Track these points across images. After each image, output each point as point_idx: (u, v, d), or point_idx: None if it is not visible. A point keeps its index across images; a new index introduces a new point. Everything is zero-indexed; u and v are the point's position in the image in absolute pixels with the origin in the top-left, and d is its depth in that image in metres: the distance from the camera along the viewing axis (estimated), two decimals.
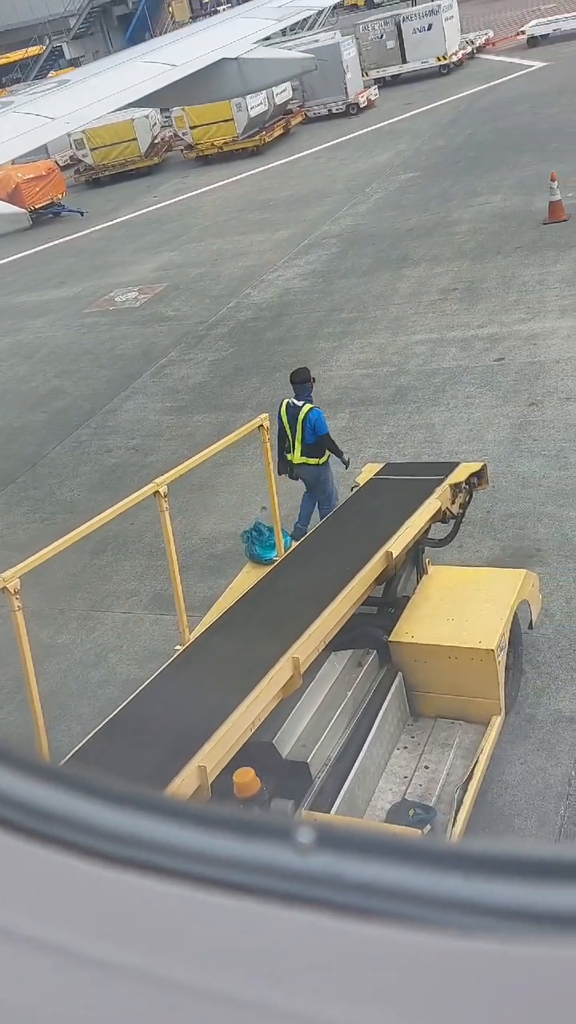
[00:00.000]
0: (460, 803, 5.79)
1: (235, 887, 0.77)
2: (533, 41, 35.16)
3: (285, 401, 9.57)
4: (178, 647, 6.40)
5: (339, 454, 9.55)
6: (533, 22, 36.24)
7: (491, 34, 36.80)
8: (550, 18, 36.26)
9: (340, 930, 0.73)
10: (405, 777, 6.24)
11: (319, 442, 9.37)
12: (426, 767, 6.30)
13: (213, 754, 4.90)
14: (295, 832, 0.80)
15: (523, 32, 36.14)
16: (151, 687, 5.74)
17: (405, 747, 6.51)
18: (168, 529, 6.29)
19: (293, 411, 9.40)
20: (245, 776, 5.11)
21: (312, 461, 9.46)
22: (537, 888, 0.73)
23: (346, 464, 9.62)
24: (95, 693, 8.57)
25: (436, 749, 6.44)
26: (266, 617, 6.41)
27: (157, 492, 6.19)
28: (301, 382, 9.55)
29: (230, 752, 5.04)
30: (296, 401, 9.46)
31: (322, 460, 9.50)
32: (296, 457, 9.46)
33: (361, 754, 5.97)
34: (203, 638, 6.29)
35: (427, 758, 6.38)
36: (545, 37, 34.91)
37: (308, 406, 9.37)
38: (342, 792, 5.63)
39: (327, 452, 9.50)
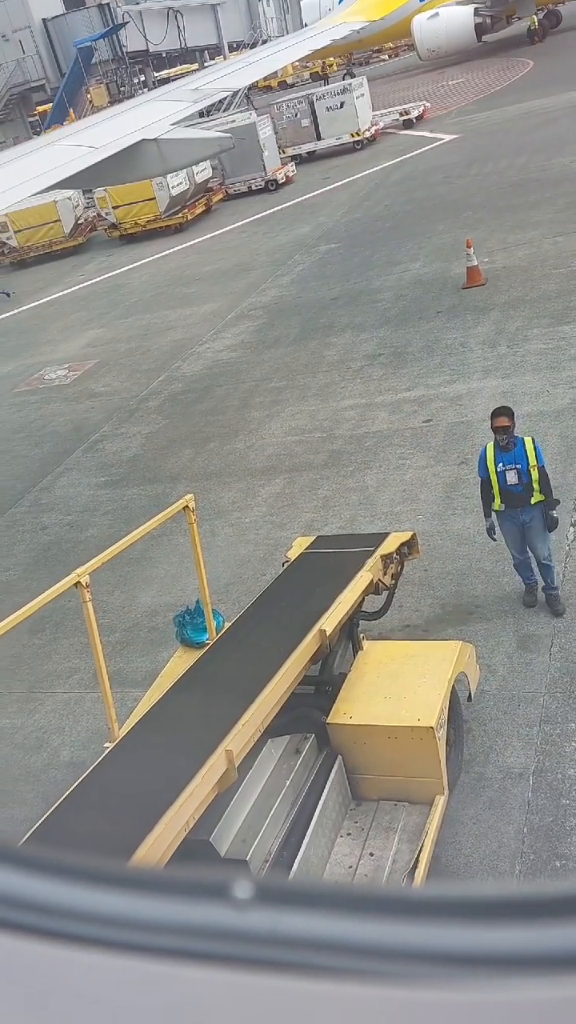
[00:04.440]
0: None
1: (170, 952, 0.74)
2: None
3: None
4: (107, 744, 6.11)
5: (485, 509, 8.57)
6: None
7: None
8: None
9: (284, 989, 0.71)
10: (350, 867, 6.06)
11: None
12: (371, 854, 6.14)
13: (145, 861, 4.64)
14: (232, 887, 0.77)
15: None
16: (78, 790, 5.45)
17: (349, 834, 6.32)
18: (92, 623, 5.90)
19: None
20: None
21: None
22: (490, 931, 0.72)
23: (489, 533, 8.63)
24: (38, 777, 8.34)
25: (380, 834, 6.28)
26: (198, 707, 6.20)
27: (78, 583, 5.78)
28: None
29: (164, 856, 4.78)
30: None
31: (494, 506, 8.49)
32: None
33: (303, 846, 5.76)
34: (133, 732, 6.03)
35: (372, 844, 6.22)
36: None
37: None
38: None
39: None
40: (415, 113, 37.77)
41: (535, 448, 8.19)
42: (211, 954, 0.73)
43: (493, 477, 8.29)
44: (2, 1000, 0.75)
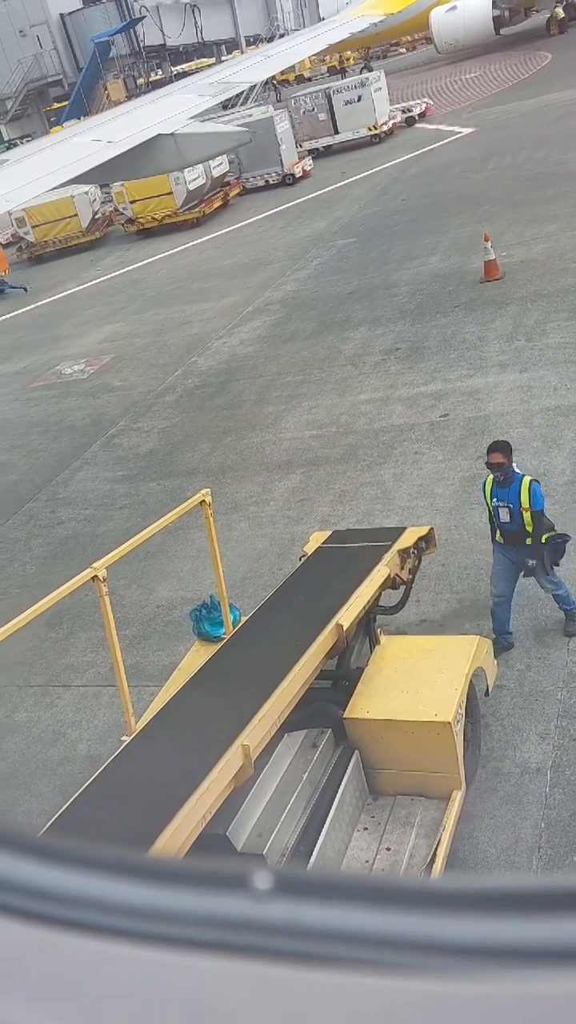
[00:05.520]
0: None
1: (189, 943, 0.74)
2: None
3: None
4: (124, 738, 6.13)
5: (492, 534, 8.29)
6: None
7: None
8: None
9: (304, 981, 0.70)
10: (367, 862, 6.06)
11: None
12: (388, 849, 6.14)
13: (162, 854, 4.65)
14: (251, 878, 0.77)
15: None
16: (95, 783, 5.47)
17: (365, 828, 6.32)
18: (109, 617, 5.92)
19: None
20: None
21: None
22: (509, 923, 0.72)
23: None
24: (55, 771, 8.38)
25: (397, 829, 6.27)
26: (214, 701, 6.21)
27: (95, 577, 5.79)
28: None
29: (181, 850, 4.79)
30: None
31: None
32: None
33: (319, 840, 5.76)
34: (150, 726, 6.05)
35: (388, 839, 6.21)
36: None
37: None
38: None
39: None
40: (417, 111, 38.07)
41: (530, 490, 7.77)
42: (230, 945, 0.73)
43: (489, 510, 8.12)
44: (21, 989, 0.75)
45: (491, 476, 8.01)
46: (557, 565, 8.01)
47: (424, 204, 24.68)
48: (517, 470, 8.01)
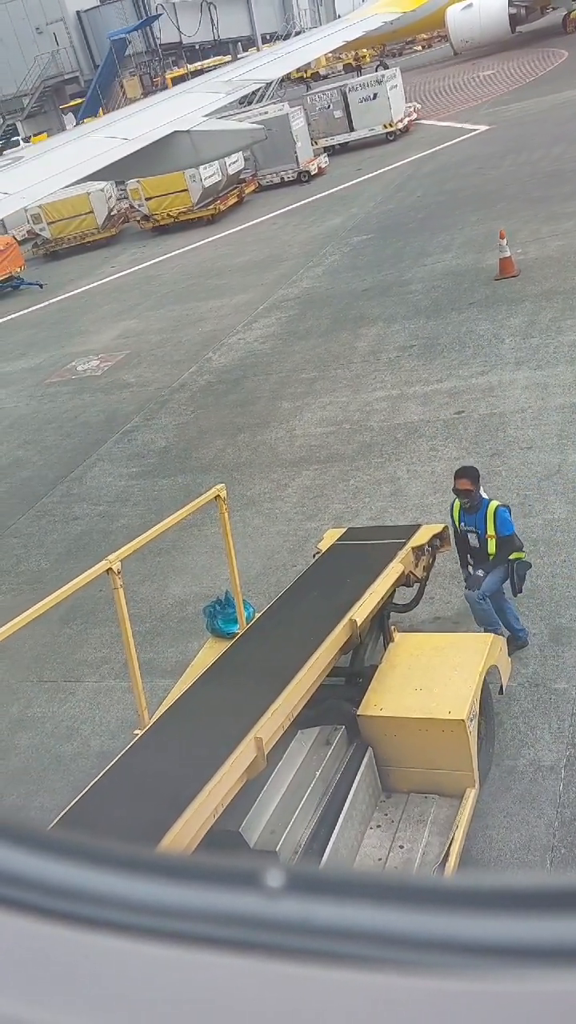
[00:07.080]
0: None
1: (201, 940, 0.74)
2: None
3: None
4: (137, 732, 6.15)
5: (460, 560, 8.36)
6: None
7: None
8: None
9: (315, 978, 0.70)
10: (379, 859, 6.06)
11: None
12: (401, 846, 6.13)
13: (173, 848, 4.63)
14: (264, 876, 0.76)
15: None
16: (107, 776, 5.49)
17: (379, 825, 6.32)
18: (123, 609, 5.94)
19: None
20: None
21: None
22: (523, 921, 0.71)
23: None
24: (69, 767, 8.40)
25: (411, 826, 6.27)
26: (228, 695, 6.21)
27: (110, 570, 5.83)
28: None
29: (192, 843, 4.77)
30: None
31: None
32: None
33: (333, 838, 5.75)
34: (162, 719, 6.07)
35: (402, 836, 6.21)
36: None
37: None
38: None
39: None
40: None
41: (495, 516, 7.76)
42: (241, 942, 0.73)
43: (456, 532, 8.12)
44: (29, 984, 0.75)
45: (458, 501, 8.01)
46: (520, 591, 8.02)
47: (439, 201, 24.62)
48: (484, 495, 8.01)
